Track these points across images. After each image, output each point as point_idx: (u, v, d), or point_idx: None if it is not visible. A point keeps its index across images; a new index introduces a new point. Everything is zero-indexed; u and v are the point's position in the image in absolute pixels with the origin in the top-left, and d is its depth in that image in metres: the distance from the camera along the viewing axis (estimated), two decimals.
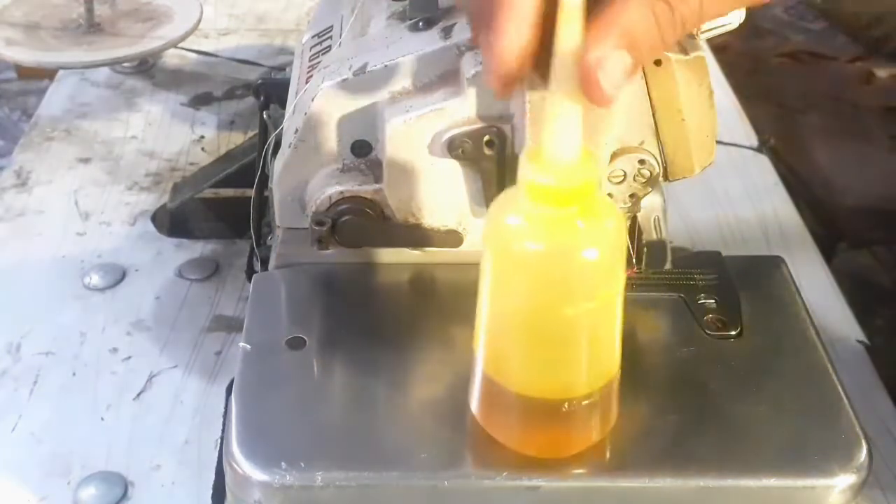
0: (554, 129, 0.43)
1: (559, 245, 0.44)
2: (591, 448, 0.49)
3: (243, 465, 0.49)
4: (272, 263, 0.63)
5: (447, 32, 0.59)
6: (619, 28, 0.42)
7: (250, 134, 0.90)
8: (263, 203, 0.69)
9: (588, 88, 0.42)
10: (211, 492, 0.59)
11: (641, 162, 0.57)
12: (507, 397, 0.48)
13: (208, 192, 0.81)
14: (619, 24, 0.42)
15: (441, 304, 0.60)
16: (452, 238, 0.60)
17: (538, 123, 0.55)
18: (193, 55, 1.06)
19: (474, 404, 0.50)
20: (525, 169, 0.44)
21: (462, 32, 0.58)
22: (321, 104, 0.59)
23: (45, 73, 1.19)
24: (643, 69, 0.55)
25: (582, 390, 0.47)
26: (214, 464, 0.60)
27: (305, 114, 0.59)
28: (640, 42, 0.43)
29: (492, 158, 0.57)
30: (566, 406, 0.47)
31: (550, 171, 0.43)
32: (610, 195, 0.58)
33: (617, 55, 0.42)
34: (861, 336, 0.72)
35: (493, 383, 0.48)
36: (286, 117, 0.63)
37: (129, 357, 0.68)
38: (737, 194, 0.87)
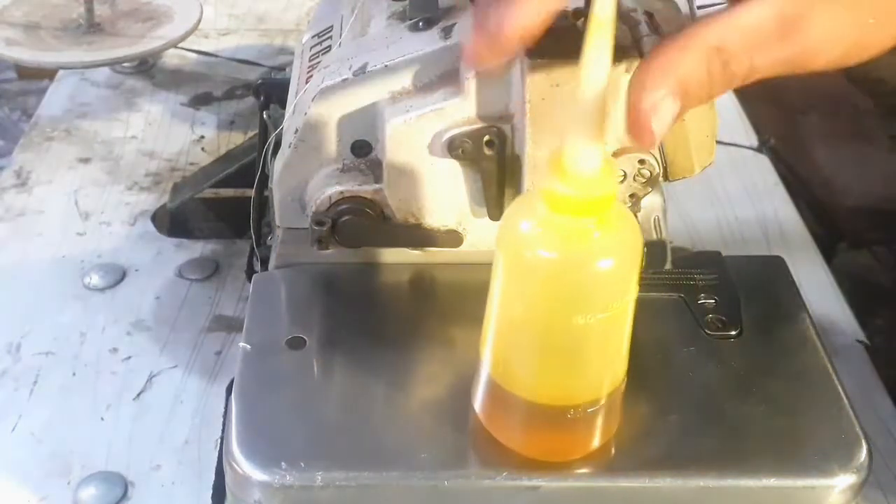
0: (577, 138, 0.43)
1: (574, 255, 0.44)
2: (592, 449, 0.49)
3: (243, 465, 0.49)
4: (272, 263, 0.63)
5: (447, 32, 0.59)
6: (676, 77, 0.43)
7: (250, 134, 0.90)
8: (263, 203, 0.69)
9: (638, 132, 0.43)
10: (211, 492, 0.59)
11: (641, 162, 0.57)
12: (513, 401, 0.48)
13: (208, 192, 0.81)
14: (675, 72, 0.43)
15: (441, 304, 0.60)
16: (452, 238, 0.60)
17: (537, 124, 0.55)
18: (193, 55, 1.06)
19: (478, 406, 0.50)
20: (545, 177, 0.43)
21: (462, 32, 0.58)
22: (321, 104, 0.59)
23: (45, 73, 1.19)
24: None
25: (588, 398, 0.47)
26: (214, 464, 0.60)
27: (305, 114, 0.59)
28: (691, 92, 0.43)
29: (492, 158, 0.57)
30: (571, 413, 0.47)
31: (571, 181, 0.43)
32: None
33: (670, 102, 0.43)
34: (861, 336, 0.72)
35: (499, 387, 0.48)
36: (286, 117, 0.63)
37: (129, 357, 0.68)
38: (737, 194, 0.87)
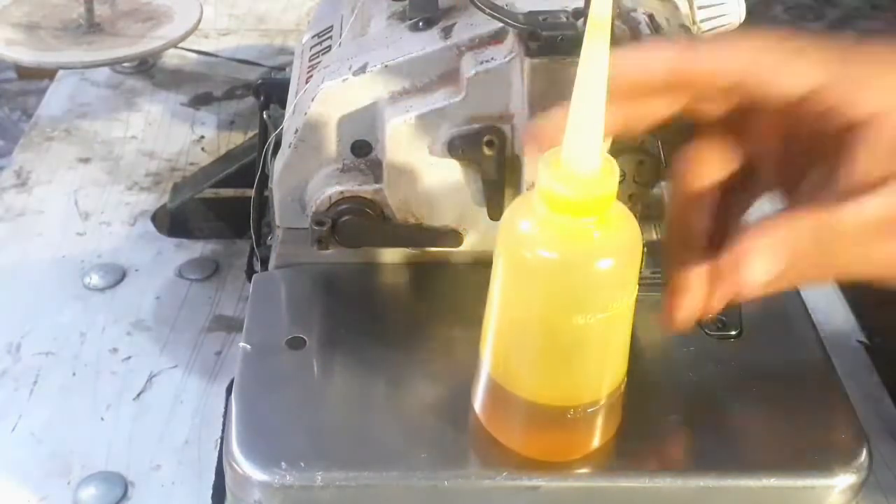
0: (575, 137, 0.43)
1: (574, 255, 0.44)
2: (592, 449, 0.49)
3: (243, 465, 0.49)
4: (272, 263, 0.63)
5: (447, 32, 0.59)
6: (784, 232, 0.44)
7: (250, 134, 0.90)
8: (263, 203, 0.69)
9: (729, 270, 0.44)
10: (211, 492, 0.59)
11: (641, 162, 0.57)
12: (513, 401, 0.48)
13: (208, 192, 0.81)
14: (784, 227, 0.44)
15: (441, 303, 0.60)
16: (452, 238, 0.60)
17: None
18: (193, 55, 1.06)
19: (478, 406, 0.50)
20: (544, 177, 0.43)
21: (462, 32, 0.58)
22: (321, 104, 0.59)
23: (45, 73, 1.19)
24: None
25: (588, 398, 0.47)
26: (214, 464, 0.60)
27: (305, 114, 0.59)
28: (798, 253, 0.44)
29: (492, 158, 0.57)
30: (571, 413, 0.47)
31: (570, 181, 0.43)
32: None
33: (772, 254, 0.43)
34: (861, 336, 0.72)
35: (499, 387, 0.48)
36: (286, 117, 0.63)
37: (129, 357, 0.68)
38: None
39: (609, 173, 0.43)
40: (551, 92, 0.54)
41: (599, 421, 0.48)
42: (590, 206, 0.43)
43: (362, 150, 0.60)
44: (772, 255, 0.43)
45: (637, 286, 0.46)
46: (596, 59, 0.41)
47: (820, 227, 0.44)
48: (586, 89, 0.42)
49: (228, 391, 0.64)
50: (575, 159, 0.43)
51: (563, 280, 0.45)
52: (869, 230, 0.44)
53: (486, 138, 0.57)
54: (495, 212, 0.59)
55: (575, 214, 0.43)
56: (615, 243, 0.44)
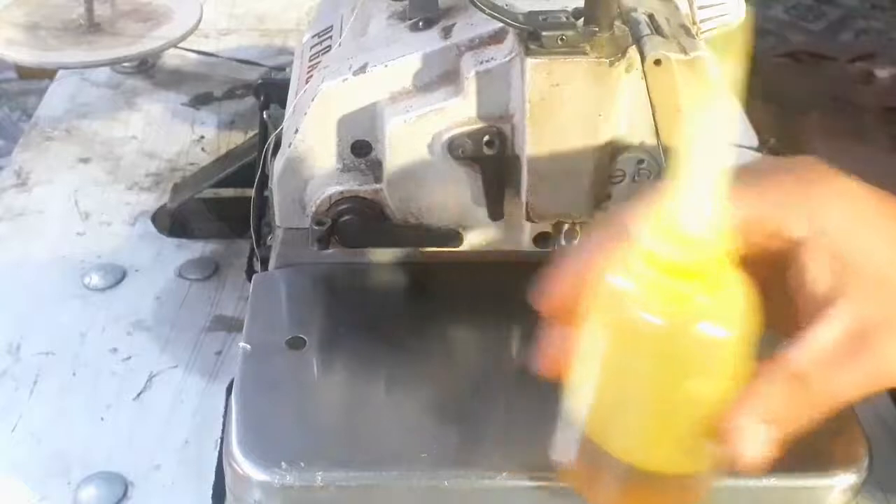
0: (687, 195, 0.39)
1: (681, 321, 0.40)
2: None
3: (243, 465, 0.49)
4: (272, 263, 0.63)
5: (447, 32, 0.59)
6: (765, 406, 0.43)
7: (250, 134, 0.90)
8: (263, 203, 0.69)
9: (733, 454, 0.43)
10: (211, 492, 0.59)
11: (641, 162, 0.57)
12: (613, 465, 0.44)
13: (208, 192, 0.81)
14: (763, 402, 0.43)
15: (441, 303, 0.60)
16: (452, 238, 0.61)
17: (537, 124, 0.55)
18: (193, 55, 1.06)
19: (564, 461, 0.46)
20: (649, 236, 0.40)
21: (462, 32, 0.58)
22: (321, 104, 0.59)
23: (45, 73, 1.19)
24: (643, 68, 0.55)
25: (699, 466, 0.44)
26: (214, 464, 0.60)
27: (305, 114, 0.59)
28: (782, 418, 0.43)
29: (492, 158, 0.57)
30: (678, 480, 0.44)
31: (678, 241, 0.39)
32: (609, 196, 0.58)
33: (762, 428, 0.43)
34: None
35: (598, 449, 0.44)
36: (286, 117, 0.63)
37: (129, 357, 0.68)
38: None
39: (720, 233, 0.40)
40: (551, 92, 0.54)
41: (706, 484, 0.45)
42: (699, 269, 0.40)
43: (362, 150, 0.60)
44: (755, 430, 0.43)
45: (752, 351, 0.42)
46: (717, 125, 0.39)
47: (786, 381, 0.43)
48: (703, 149, 0.39)
49: (228, 391, 0.64)
50: (684, 218, 0.39)
51: (670, 347, 0.41)
52: (828, 363, 0.43)
53: (486, 138, 0.57)
54: (495, 212, 0.59)
55: (682, 277, 0.40)
56: (726, 308, 0.41)
